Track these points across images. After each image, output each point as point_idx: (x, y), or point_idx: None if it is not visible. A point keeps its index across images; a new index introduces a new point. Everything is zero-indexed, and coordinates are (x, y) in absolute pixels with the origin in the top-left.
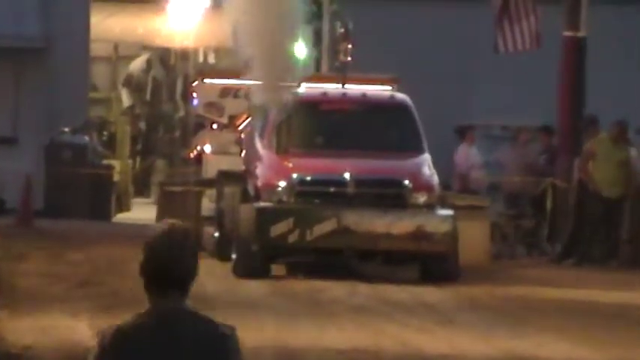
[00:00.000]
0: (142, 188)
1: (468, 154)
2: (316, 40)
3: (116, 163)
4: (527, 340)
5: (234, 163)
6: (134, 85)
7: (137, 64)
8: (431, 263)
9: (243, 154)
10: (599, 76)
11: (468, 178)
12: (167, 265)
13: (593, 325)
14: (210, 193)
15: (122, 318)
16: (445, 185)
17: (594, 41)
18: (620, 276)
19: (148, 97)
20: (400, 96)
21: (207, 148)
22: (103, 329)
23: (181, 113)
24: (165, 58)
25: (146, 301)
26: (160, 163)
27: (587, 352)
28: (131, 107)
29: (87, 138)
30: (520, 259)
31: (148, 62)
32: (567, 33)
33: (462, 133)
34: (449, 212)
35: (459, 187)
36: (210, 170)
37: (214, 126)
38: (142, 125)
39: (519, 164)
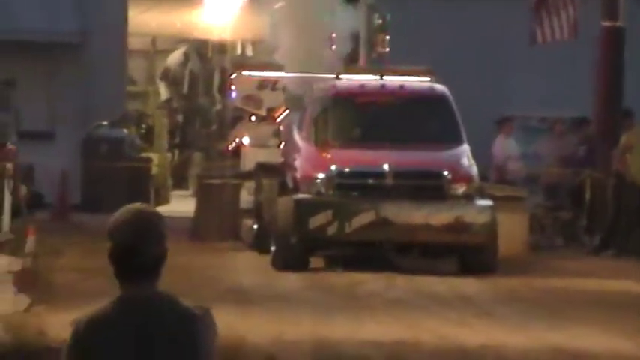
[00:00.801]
0: (180, 181)
1: (505, 146)
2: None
3: (154, 156)
4: (565, 332)
5: (272, 156)
6: (171, 78)
7: (175, 58)
8: (469, 255)
9: (281, 147)
10: (635, 67)
11: (505, 170)
12: (133, 251)
13: (631, 316)
14: (249, 185)
15: None
16: (483, 177)
17: (630, 32)
18: None
19: (185, 90)
20: (439, 87)
21: (246, 141)
22: (77, 319)
23: (218, 106)
24: (202, 50)
25: (183, 292)
26: (197, 156)
27: (625, 343)
28: (169, 100)
29: (125, 131)
30: (558, 250)
31: (185, 55)
32: (606, 23)
33: (501, 124)
34: (488, 203)
35: (496, 179)
36: (248, 163)
37: (252, 118)
38: (180, 118)
39: (556, 156)
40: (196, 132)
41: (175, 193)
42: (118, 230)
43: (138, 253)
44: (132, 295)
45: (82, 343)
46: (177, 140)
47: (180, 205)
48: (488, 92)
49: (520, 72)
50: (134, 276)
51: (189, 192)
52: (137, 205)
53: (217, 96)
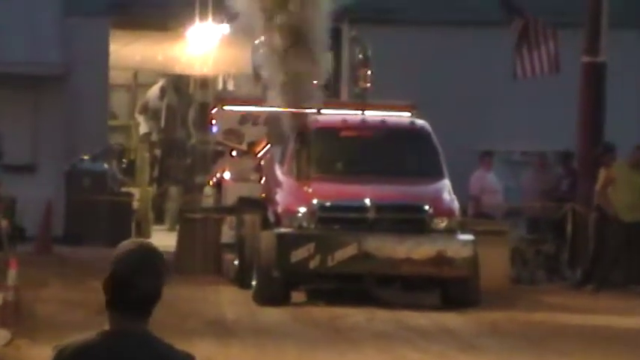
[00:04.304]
0: (159, 215)
1: (482, 179)
2: (335, 67)
3: (135, 190)
4: None
5: (253, 190)
6: (150, 112)
7: (153, 92)
8: (451, 288)
9: (262, 181)
10: (618, 101)
11: (480, 202)
12: (127, 284)
13: (614, 351)
14: (230, 220)
15: None
16: (464, 211)
17: (613, 66)
18: None
19: (162, 124)
20: (420, 122)
21: (227, 175)
22: (60, 345)
23: (193, 140)
24: (179, 84)
25: (165, 325)
26: (173, 190)
27: None
28: (148, 134)
29: (106, 165)
30: (540, 284)
31: (162, 89)
32: (586, 58)
33: (481, 158)
34: (469, 237)
35: (472, 211)
36: (229, 197)
37: (234, 153)
38: (157, 152)
39: (540, 189)
40: (172, 166)
41: (156, 227)
42: (119, 260)
43: (133, 285)
44: (119, 330)
45: None
46: (155, 174)
47: (161, 239)
48: (471, 125)
49: (503, 105)
50: (124, 309)
51: (166, 226)
52: (142, 240)
53: (192, 130)
